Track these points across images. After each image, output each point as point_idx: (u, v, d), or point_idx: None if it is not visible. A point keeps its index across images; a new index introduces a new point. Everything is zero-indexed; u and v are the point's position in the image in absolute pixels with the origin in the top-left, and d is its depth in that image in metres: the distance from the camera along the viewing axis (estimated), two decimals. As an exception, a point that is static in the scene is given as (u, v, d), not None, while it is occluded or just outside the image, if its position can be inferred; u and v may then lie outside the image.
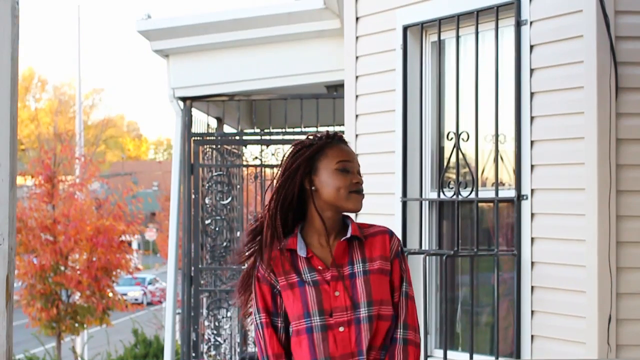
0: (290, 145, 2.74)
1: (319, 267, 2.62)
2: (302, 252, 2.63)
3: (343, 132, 6.14)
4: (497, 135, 5.12)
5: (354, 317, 2.56)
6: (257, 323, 2.65)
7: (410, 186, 5.52)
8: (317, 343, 2.56)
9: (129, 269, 15.26)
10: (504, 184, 5.19)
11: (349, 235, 2.63)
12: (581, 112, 4.65)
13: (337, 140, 2.71)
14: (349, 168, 2.65)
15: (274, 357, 2.61)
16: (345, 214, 2.71)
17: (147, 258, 32.80)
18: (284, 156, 2.72)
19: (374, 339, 2.56)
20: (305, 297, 2.58)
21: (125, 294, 15.55)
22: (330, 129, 7.98)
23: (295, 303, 2.60)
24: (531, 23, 4.91)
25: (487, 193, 5.23)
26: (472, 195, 5.17)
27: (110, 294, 14.95)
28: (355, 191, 2.63)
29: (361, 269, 2.60)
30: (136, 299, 25.99)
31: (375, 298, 2.57)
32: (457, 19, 5.26)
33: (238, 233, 8.77)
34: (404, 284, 2.64)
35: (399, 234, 5.40)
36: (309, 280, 2.60)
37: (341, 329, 2.56)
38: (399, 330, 2.58)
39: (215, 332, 8.43)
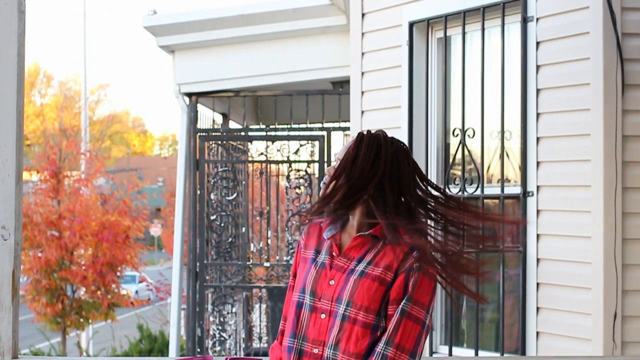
0: None
1: (333, 253, 2.65)
2: (326, 234, 2.68)
3: (347, 128, 6.11)
4: (502, 132, 5.12)
5: (335, 310, 2.59)
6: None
7: (415, 182, 5.51)
8: (301, 319, 2.63)
9: (134, 264, 15.27)
10: (509, 181, 5.19)
11: (366, 232, 2.63)
12: (587, 109, 4.64)
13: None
14: None
15: (282, 319, 2.75)
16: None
17: (151, 254, 32.72)
18: None
19: (346, 341, 2.55)
20: (308, 274, 2.65)
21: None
22: (336, 125, 8.02)
23: (300, 276, 2.69)
24: (537, 19, 4.90)
25: (492, 189, 5.22)
26: (478, 192, 5.17)
27: (115, 290, 14.96)
28: None
29: (361, 269, 2.60)
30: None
31: (356, 301, 2.56)
32: (463, 15, 5.26)
33: (243, 229, 8.78)
34: (406, 301, 2.54)
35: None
36: (319, 261, 2.66)
37: (323, 315, 2.60)
38: (380, 344, 2.53)
39: (220, 327, 8.44)
